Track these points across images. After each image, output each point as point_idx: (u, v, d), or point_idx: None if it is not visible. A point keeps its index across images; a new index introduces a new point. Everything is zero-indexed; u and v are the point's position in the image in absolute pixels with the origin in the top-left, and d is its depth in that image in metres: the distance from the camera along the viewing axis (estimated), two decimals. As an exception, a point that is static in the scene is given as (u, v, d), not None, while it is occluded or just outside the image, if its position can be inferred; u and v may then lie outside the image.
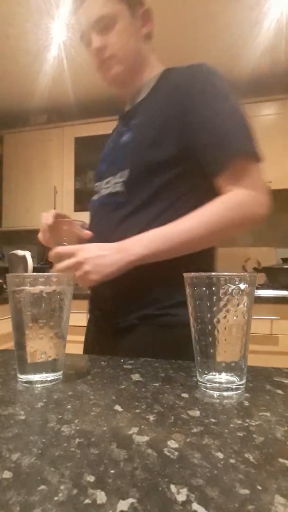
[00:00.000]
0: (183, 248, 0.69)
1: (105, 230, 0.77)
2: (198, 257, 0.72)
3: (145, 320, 0.74)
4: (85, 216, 0.90)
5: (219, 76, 0.74)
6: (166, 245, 0.68)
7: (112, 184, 0.80)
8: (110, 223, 0.78)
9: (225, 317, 0.41)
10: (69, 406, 0.38)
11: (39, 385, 0.44)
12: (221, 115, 0.70)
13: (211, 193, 0.71)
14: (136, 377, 0.48)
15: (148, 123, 0.77)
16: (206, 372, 0.43)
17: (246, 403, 0.39)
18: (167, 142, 0.73)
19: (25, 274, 0.45)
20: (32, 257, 2.13)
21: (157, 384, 0.45)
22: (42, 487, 0.24)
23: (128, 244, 0.69)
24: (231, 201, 0.69)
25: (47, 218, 0.75)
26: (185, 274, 0.45)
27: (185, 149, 0.72)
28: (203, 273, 0.43)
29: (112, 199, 0.79)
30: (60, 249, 0.70)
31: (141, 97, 0.83)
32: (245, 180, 0.69)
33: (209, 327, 0.42)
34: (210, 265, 0.79)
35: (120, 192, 0.77)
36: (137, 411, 0.37)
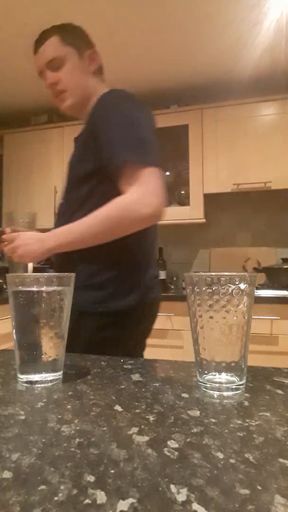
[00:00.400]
0: (83, 241, 0.84)
1: None
2: (113, 249, 0.85)
3: None
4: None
5: (122, 97, 0.89)
6: (69, 239, 0.84)
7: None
8: (58, 228, 0.94)
9: (225, 317, 0.41)
10: (69, 406, 0.38)
11: (39, 385, 0.44)
12: (115, 132, 0.83)
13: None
14: (136, 377, 0.48)
15: (80, 144, 0.95)
16: (206, 372, 0.43)
17: (246, 403, 0.39)
18: (88, 159, 0.89)
19: (25, 274, 0.45)
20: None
21: (157, 384, 0.45)
22: (42, 487, 0.24)
23: (46, 236, 0.87)
24: (118, 202, 0.81)
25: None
26: (186, 274, 0.45)
27: (100, 162, 0.86)
28: (203, 273, 0.43)
29: (60, 208, 1.00)
30: (5, 236, 0.91)
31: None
32: (134, 185, 0.81)
33: (209, 327, 0.42)
34: (129, 258, 0.91)
35: (62, 203, 0.98)
36: (137, 411, 0.37)
